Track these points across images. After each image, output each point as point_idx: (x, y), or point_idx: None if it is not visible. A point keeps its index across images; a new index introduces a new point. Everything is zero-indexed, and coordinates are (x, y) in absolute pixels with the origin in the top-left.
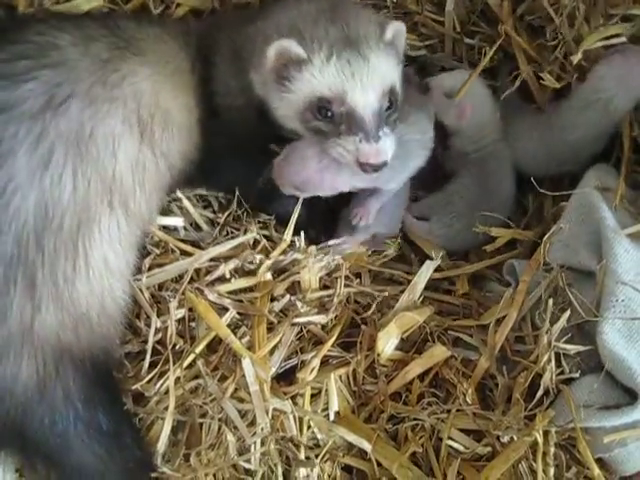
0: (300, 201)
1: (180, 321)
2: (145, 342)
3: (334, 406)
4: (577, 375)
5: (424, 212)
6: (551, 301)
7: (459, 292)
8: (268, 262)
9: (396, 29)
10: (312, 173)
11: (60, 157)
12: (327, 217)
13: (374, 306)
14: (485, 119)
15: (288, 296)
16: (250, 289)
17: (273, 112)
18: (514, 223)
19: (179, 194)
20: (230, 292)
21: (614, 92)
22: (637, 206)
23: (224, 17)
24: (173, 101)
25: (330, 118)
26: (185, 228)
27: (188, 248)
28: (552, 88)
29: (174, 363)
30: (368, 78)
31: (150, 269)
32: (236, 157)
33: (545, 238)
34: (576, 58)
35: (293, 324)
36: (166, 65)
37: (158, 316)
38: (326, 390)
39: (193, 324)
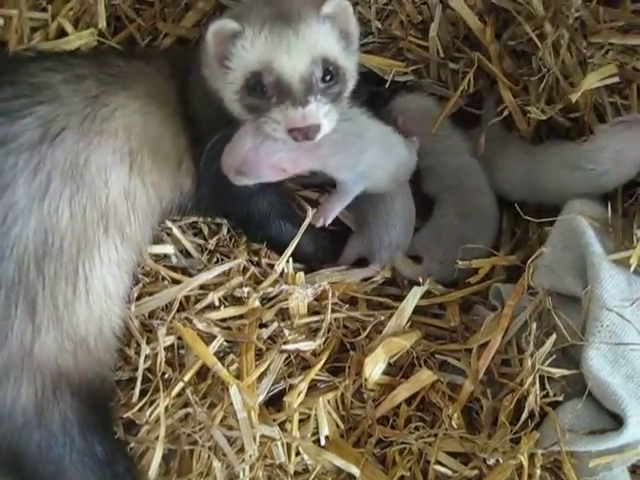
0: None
1: (169, 349)
2: (135, 369)
3: (324, 431)
4: (561, 399)
5: (415, 251)
6: (534, 325)
7: (450, 322)
8: (257, 294)
9: (336, 4)
10: (248, 152)
11: (57, 185)
12: (330, 238)
13: (362, 332)
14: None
15: (276, 323)
16: (239, 316)
17: (224, 102)
18: (501, 246)
19: (168, 223)
20: (219, 319)
21: (610, 166)
22: (623, 232)
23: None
24: (162, 132)
25: (263, 93)
26: (175, 255)
27: (177, 276)
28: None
29: (164, 391)
30: (296, 46)
31: (140, 297)
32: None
33: (529, 262)
34: (574, 97)
35: (281, 351)
36: (154, 98)
37: (148, 344)
38: (315, 415)
39: (183, 351)
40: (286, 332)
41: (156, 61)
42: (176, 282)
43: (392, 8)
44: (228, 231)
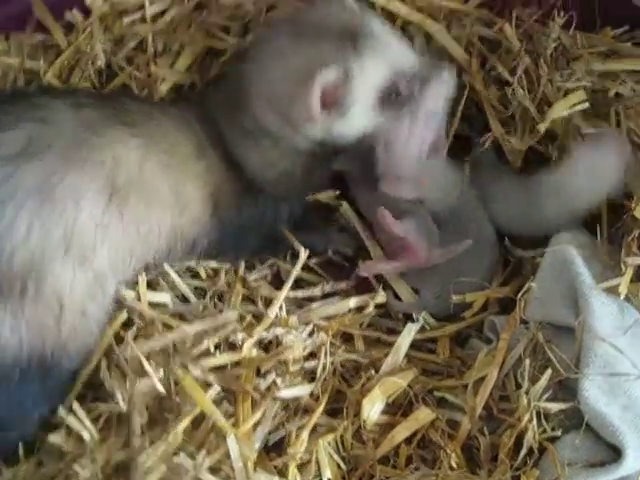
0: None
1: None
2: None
3: (327, 473)
4: (559, 434)
5: (412, 283)
6: (528, 361)
7: (440, 356)
8: (251, 340)
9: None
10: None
11: (22, 196)
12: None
13: (359, 371)
14: (447, 182)
15: (274, 373)
16: (236, 362)
17: (340, 139)
18: (494, 278)
19: (166, 267)
20: (214, 366)
21: (584, 184)
22: (613, 259)
23: (212, 101)
24: (162, 179)
25: (402, 94)
26: (172, 302)
27: (174, 322)
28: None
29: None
30: (390, 37)
31: (135, 339)
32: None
33: (519, 296)
34: (543, 127)
35: (275, 398)
36: (159, 142)
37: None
38: (316, 458)
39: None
40: (279, 381)
41: (167, 108)
42: (171, 328)
43: None
44: (226, 273)
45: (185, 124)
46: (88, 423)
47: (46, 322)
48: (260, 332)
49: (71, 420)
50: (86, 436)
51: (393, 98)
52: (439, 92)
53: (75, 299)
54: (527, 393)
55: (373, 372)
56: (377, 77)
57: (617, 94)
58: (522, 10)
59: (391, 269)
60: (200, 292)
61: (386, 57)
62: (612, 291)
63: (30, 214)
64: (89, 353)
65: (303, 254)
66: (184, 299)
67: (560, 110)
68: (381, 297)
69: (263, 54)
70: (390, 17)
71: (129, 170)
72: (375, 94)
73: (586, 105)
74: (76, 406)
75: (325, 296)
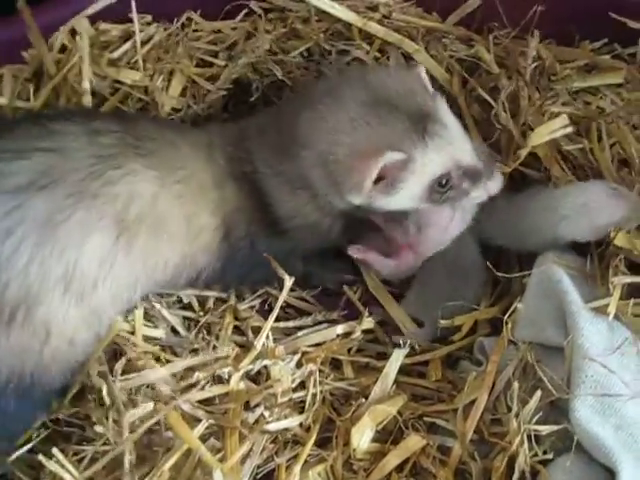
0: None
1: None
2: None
3: None
4: (551, 456)
5: (416, 314)
6: (516, 384)
7: (431, 379)
8: (238, 374)
9: (416, 72)
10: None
11: (25, 230)
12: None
13: (348, 399)
14: None
15: (262, 406)
16: (225, 393)
17: (378, 209)
18: (482, 298)
19: (155, 303)
20: (203, 399)
21: (570, 213)
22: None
23: (249, 134)
24: (175, 210)
25: (451, 187)
26: (165, 334)
27: (165, 356)
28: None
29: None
30: (456, 131)
31: (125, 372)
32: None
33: (506, 317)
34: (524, 152)
35: (264, 431)
36: (176, 171)
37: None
38: None
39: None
40: (266, 414)
41: (188, 136)
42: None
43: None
44: (214, 303)
45: (206, 152)
46: (71, 467)
47: (30, 347)
48: (246, 365)
49: (52, 465)
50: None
51: (442, 187)
52: (488, 190)
53: (66, 329)
54: (517, 416)
55: (363, 400)
56: (435, 169)
57: (599, 108)
58: (499, 29)
59: (379, 261)
60: (190, 322)
61: (449, 150)
62: (601, 311)
63: (32, 249)
64: (73, 374)
65: (288, 282)
66: (174, 329)
67: (542, 136)
68: (368, 323)
69: (330, 111)
70: (368, 38)
71: (142, 204)
72: (428, 182)
73: (569, 130)
74: (55, 451)
75: (315, 325)
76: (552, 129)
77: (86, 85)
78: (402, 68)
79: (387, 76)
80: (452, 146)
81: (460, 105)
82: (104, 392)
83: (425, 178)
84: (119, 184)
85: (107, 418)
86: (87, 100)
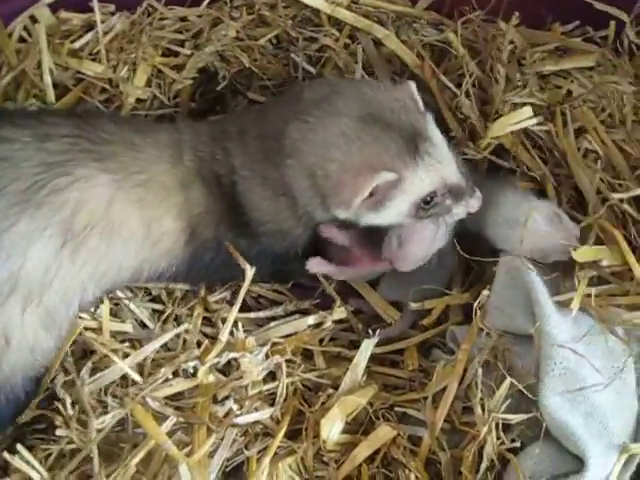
0: None
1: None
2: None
3: None
4: (519, 444)
5: (393, 297)
6: (480, 370)
7: (408, 367)
8: (205, 367)
9: (407, 88)
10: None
11: None
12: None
13: (318, 390)
14: None
15: (232, 400)
16: (194, 387)
17: (362, 223)
18: (454, 285)
19: (123, 299)
20: (171, 395)
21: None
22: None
23: (229, 135)
24: (133, 214)
25: (436, 204)
26: (133, 328)
27: (130, 351)
28: None
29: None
30: (444, 150)
31: (94, 371)
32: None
33: (475, 306)
34: (484, 142)
35: (233, 425)
36: (136, 175)
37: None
38: None
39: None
40: (235, 407)
41: (153, 132)
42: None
43: (327, 55)
44: (183, 295)
45: (172, 152)
46: (36, 463)
47: None
48: (212, 358)
49: (17, 462)
50: (35, 476)
51: (427, 204)
52: (469, 207)
53: (25, 334)
54: (483, 405)
55: (332, 391)
56: (424, 188)
57: (569, 91)
58: (470, 12)
59: (338, 271)
60: (160, 314)
61: (438, 169)
62: (566, 305)
63: None
64: (38, 380)
65: (249, 272)
66: (142, 322)
67: (504, 126)
68: (340, 312)
69: (321, 124)
70: (337, 25)
71: (94, 210)
72: (415, 200)
73: (534, 121)
74: (20, 447)
75: (288, 316)
76: (516, 120)
77: (47, 78)
78: (394, 83)
79: (379, 91)
80: (440, 164)
81: (433, 90)
82: (67, 404)
83: (414, 196)
84: (67, 191)
85: (71, 419)
86: (49, 93)
